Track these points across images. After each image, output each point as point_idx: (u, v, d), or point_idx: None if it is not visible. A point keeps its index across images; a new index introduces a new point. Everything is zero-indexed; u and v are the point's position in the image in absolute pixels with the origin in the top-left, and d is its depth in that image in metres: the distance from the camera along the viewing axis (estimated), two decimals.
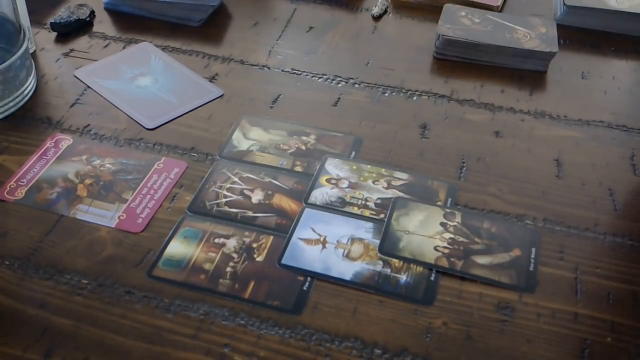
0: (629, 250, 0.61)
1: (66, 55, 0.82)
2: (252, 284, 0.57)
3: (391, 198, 0.64)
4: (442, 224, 0.62)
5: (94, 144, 0.70)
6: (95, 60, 0.81)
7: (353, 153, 0.70)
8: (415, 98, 0.77)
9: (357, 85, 0.79)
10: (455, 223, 0.62)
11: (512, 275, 0.58)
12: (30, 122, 0.72)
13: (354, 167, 0.68)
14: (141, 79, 0.79)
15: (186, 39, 0.85)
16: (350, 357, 0.52)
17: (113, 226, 0.61)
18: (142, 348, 0.52)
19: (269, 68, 0.81)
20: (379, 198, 0.64)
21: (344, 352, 0.52)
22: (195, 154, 0.69)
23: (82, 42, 0.84)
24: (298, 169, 0.67)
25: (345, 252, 0.59)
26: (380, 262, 0.58)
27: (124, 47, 0.84)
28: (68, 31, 0.85)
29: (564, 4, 0.89)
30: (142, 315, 0.54)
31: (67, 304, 0.55)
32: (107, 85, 0.77)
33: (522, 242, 0.61)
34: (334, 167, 0.68)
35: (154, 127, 0.72)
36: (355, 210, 0.63)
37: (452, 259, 0.59)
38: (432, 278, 0.57)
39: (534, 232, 0.62)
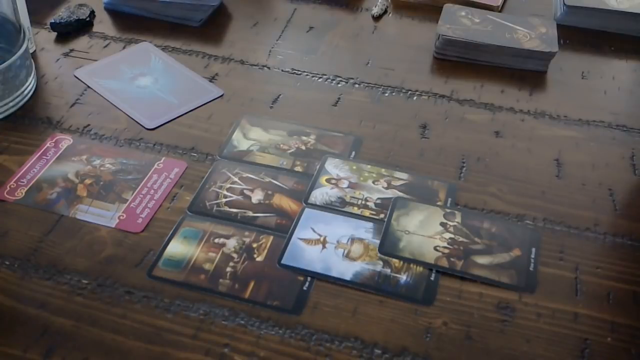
0: (629, 250, 0.61)
1: (66, 55, 0.82)
2: (252, 284, 0.57)
3: (391, 198, 0.64)
4: (442, 224, 0.62)
5: (94, 144, 0.70)
6: (95, 60, 0.81)
7: (353, 153, 0.70)
8: (415, 98, 0.77)
9: (357, 85, 0.79)
10: (455, 223, 0.62)
11: (512, 275, 0.58)
12: (30, 122, 0.72)
13: (354, 167, 0.68)
14: (141, 79, 0.79)
15: (186, 39, 0.85)
16: (350, 357, 0.52)
17: (113, 226, 0.61)
18: (142, 348, 0.52)
19: (269, 68, 0.81)
20: (379, 198, 0.64)
21: (344, 352, 0.52)
22: (195, 154, 0.69)
23: (82, 42, 0.84)
24: (298, 169, 0.67)
25: (345, 252, 0.59)
26: (380, 262, 0.58)
27: (124, 47, 0.84)
28: (68, 31, 0.85)
29: (564, 4, 0.89)
30: (142, 315, 0.54)
31: (67, 304, 0.55)
32: (107, 85, 0.77)
33: (522, 242, 0.61)
34: (334, 167, 0.68)
35: (154, 127, 0.72)
36: (355, 210, 0.63)
37: (452, 259, 0.59)
38: (432, 278, 0.57)
39: (534, 232, 0.62)
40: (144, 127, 0.72)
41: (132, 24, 0.88)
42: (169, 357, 0.51)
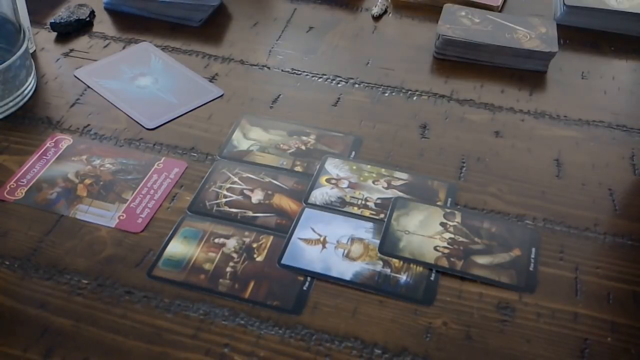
0: (629, 250, 0.61)
1: (66, 55, 0.82)
2: (252, 284, 0.57)
3: (391, 198, 0.64)
4: (442, 224, 0.62)
5: (94, 144, 0.70)
6: (95, 60, 0.81)
7: (353, 153, 0.70)
8: (415, 98, 0.77)
9: (357, 85, 0.79)
10: (455, 223, 0.62)
11: (512, 275, 0.58)
12: (30, 122, 0.72)
13: (354, 167, 0.68)
14: (141, 79, 0.79)
15: (186, 39, 0.85)
16: (350, 357, 0.52)
17: (113, 226, 0.61)
18: (142, 348, 0.52)
19: (269, 68, 0.81)
20: (379, 198, 0.64)
21: (344, 352, 0.52)
22: (195, 154, 0.69)
23: (82, 42, 0.84)
24: (298, 169, 0.67)
25: (345, 252, 0.59)
26: (380, 262, 0.58)
27: (124, 47, 0.84)
28: (68, 31, 0.85)
29: (564, 4, 0.89)
30: (142, 315, 0.54)
31: (67, 304, 0.55)
32: (107, 85, 0.77)
33: (522, 242, 0.61)
34: (334, 167, 0.68)
35: (154, 127, 0.72)
36: (355, 210, 0.63)
37: (452, 259, 0.59)
38: (432, 278, 0.57)
39: (534, 232, 0.62)
40: (144, 127, 0.72)
41: (132, 24, 0.88)
42: (169, 357, 0.51)
